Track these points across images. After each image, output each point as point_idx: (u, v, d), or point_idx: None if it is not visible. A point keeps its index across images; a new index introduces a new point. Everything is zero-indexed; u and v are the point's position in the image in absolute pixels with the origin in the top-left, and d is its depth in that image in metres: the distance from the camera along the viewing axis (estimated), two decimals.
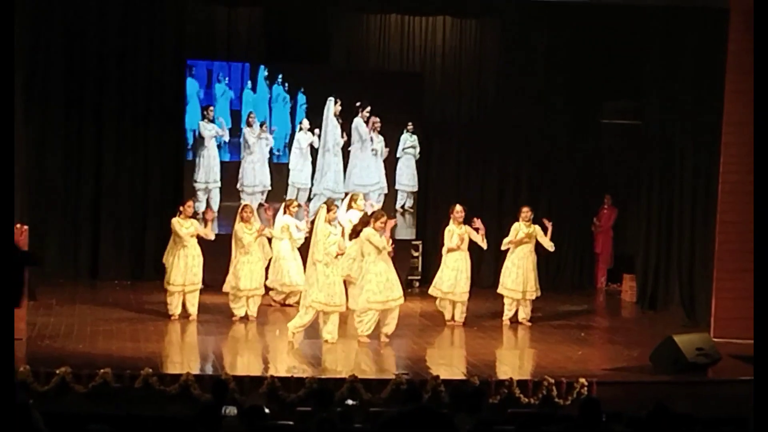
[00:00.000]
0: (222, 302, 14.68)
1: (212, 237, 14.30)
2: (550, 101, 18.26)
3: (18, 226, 12.75)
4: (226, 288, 14.40)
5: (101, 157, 17.34)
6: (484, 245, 14.67)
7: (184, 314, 14.18)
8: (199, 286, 14.21)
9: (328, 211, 13.01)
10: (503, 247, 14.93)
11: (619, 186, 18.75)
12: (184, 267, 14.01)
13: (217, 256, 14.70)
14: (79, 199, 17.34)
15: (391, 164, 17.41)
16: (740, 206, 13.72)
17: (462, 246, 14.54)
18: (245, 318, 14.32)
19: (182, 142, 16.93)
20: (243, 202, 15.33)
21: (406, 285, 16.91)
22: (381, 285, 13.10)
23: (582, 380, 11.50)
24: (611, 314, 16.87)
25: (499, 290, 14.97)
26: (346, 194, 16.05)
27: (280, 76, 16.94)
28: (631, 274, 17.66)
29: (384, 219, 13.27)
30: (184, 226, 14.05)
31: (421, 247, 17.68)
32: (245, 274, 14.22)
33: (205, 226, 14.46)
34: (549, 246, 14.92)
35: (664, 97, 16.54)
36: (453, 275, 14.51)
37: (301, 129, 17.00)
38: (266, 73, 16.91)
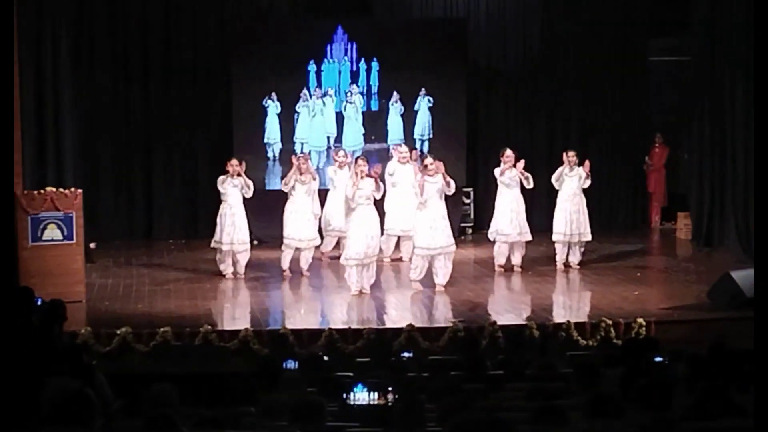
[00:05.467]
0: (275, 257, 14.71)
1: (248, 195, 13.95)
2: (597, 40, 18.05)
3: (72, 189, 12.87)
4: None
5: (151, 115, 17.41)
6: (527, 184, 14.48)
7: (235, 273, 14.14)
8: (247, 245, 14.16)
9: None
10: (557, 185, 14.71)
11: (669, 124, 18.54)
12: (231, 226, 13.85)
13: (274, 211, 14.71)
14: (131, 160, 17.44)
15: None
16: None
17: (514, 186, 14.40)
18: (295, 271, 14.25)
19: (231, 96, 17.00)
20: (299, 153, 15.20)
21: (459, 233, 16.92)
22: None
23: (640, 320, 11.47)
24: (667, 253, 16.74)
25: (553, 237, 14.83)
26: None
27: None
28: (685, 212, 17.52)
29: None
30: (227, 184, 13.90)
31: (472, 194, 17.63)
32: (291, 224, 14.18)
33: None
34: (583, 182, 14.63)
35: (713, 30, 16.26)
36: (509, 216, 14.43)
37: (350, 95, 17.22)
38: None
